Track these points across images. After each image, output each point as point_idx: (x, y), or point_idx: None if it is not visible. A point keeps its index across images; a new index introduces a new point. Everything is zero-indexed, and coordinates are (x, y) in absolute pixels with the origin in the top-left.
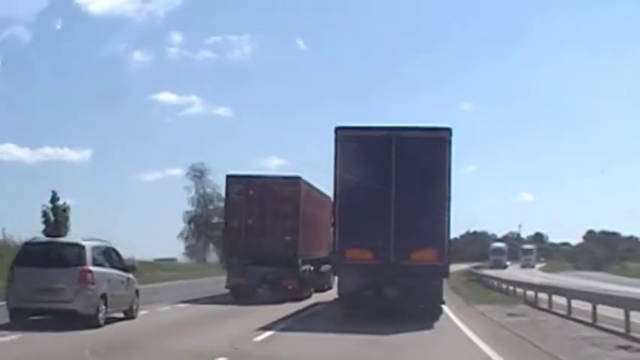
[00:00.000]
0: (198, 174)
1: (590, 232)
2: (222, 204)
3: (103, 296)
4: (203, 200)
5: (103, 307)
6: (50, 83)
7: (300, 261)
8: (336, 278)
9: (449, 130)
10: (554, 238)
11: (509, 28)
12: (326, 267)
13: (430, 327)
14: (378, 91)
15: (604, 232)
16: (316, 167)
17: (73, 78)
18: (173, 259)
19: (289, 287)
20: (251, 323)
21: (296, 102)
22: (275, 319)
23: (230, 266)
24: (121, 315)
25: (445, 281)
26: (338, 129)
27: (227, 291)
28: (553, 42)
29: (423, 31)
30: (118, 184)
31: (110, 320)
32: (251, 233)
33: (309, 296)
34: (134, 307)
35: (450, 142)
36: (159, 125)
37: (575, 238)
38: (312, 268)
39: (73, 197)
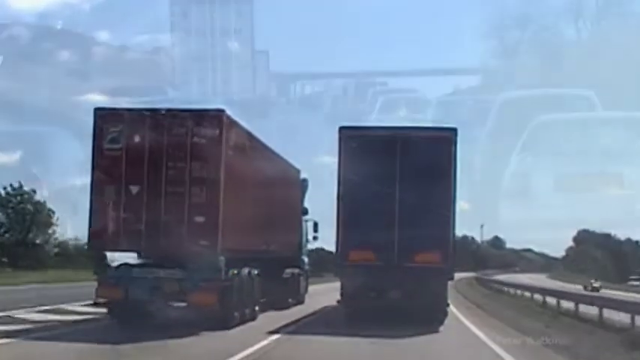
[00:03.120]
0: None
1: (583, 232)
2: None
3: None
4: None
5: None
6: None
7: (222, 260)
8: (308, 288)
9: (455, 130)
10: (512, 244)
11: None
12: (290, 271)
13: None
14: None
15: (592, 233)
16: None
17: None
18: None
19: (204, 305)
20: None
21: None
22: None
23: (101, 268)
24: None
25: None
26: (342, 129)
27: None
28: None
29: (369, 35)
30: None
31: None
32: (137, 211)
33: (250, 319)
34: None
35: (455, 142)
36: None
37: (538, 245)
38: (256, 272)
39: None
